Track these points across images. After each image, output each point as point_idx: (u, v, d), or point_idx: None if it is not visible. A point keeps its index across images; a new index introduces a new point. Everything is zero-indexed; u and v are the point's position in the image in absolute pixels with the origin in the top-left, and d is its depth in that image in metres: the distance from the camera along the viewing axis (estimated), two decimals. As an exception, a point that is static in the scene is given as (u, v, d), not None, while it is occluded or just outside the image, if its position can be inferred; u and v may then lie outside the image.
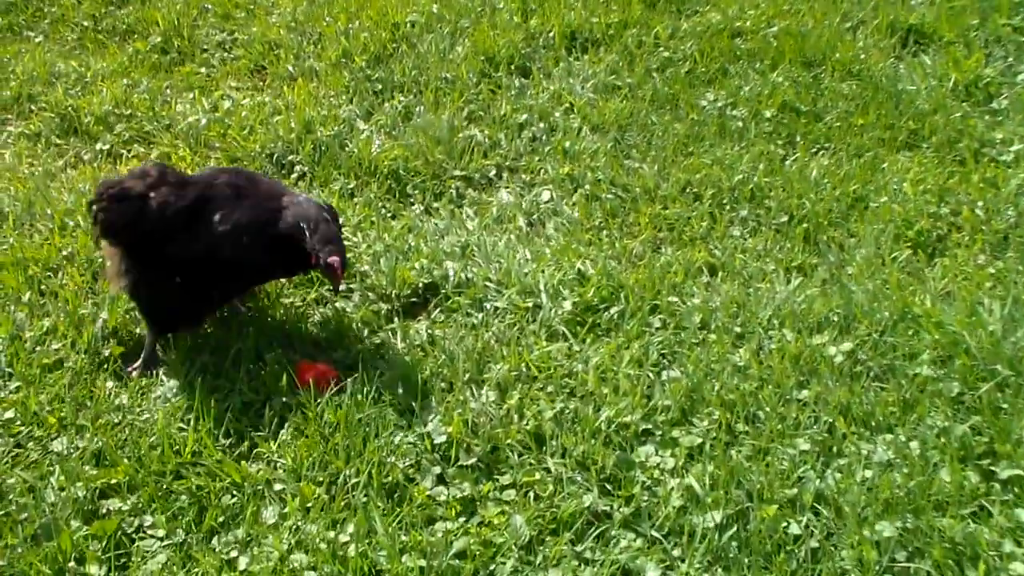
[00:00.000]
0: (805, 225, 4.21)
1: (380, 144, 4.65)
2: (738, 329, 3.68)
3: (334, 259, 3.36)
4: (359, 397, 3.31)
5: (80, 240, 4.02)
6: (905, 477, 3.07)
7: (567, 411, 3.31)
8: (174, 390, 3.36)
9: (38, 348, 3.51)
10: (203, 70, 5.31)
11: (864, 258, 4.03)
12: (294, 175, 4.54)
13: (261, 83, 5.23)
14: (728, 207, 4.33)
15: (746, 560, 2.86)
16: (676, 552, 2.90)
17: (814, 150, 4.65)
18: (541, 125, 4.78)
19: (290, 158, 4.60)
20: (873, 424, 3.29)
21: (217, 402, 3.30)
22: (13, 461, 3.10)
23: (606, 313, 3.75)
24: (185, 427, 3.22)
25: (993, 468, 3.12)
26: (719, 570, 2.85)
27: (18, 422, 3.23)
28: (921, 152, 4.59)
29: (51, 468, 3.07)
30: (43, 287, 3.79)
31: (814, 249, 4.15)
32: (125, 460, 3.07)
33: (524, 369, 3.48)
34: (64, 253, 3.97)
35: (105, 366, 3.46)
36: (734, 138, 4.72)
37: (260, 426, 3.25)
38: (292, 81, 5.16)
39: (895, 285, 3.87)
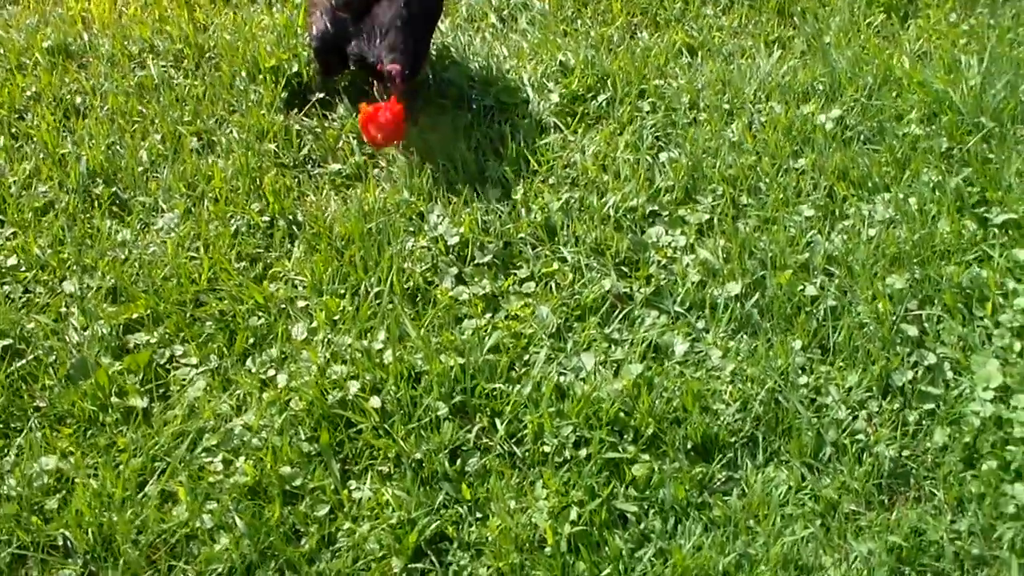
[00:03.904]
0: (779, -3, 4.18)
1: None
2: (726, 106, 3.69)
3: (393, 67, 3.34)
4: (365, 207, 3.29)
5: (43, 78, 3.85)
6: (908, 231, 3.16)
7: (572, 201, 3.33)
8: (175, 221, 3.30)
9: (24, 192, 3.40)
10: None
11: (839, 26, 4.03)
12: (248, -9, 4.35)
13: None
14: (698, -16, 4.28)
15: (768, 324, 2.96)
16: (700, 324, 2.99)
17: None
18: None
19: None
20: (870, 185, 3.37)
21: (222, 227, 3.26)
22: (27, 307, 3.05)
23: (594, 102, 3.73)
24: (196, 255, 3.18)
25: (987, 215, 3.23)
26: (744, 336, 2.95)
27: (22, 267, 3.16)
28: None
29: (69, 309, 3.03)
30: (14, 130, 3.65)
31: (789, 21, 4.13)
32: (143, 294, 3.04)
33: (523, 163, 3.47)
34: (29, 93, 3.81)
35: (99, 203, 3.37)
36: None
37: (271, 247, 3.23)
38: None
39: (873, 49, 3.89)
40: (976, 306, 2.97)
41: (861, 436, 2.69)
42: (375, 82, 3.69)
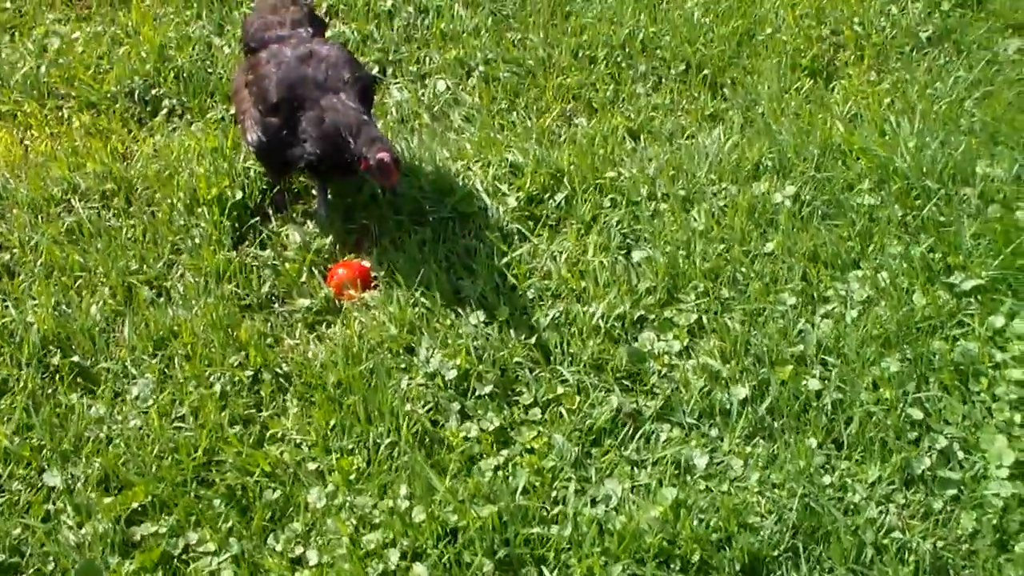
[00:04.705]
0: (704, 71, 4.23)
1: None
2: (682, 192, 3.71)
3: (384, 155, 3.20)
4: (349, 348, 3.17)
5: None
6: (890, 309, 3.24)
7: (559, 315, 3.29)
8: (150, 387, 3.11)
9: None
10: (9, 4, 4.68)
11: (769, 95, 4.11)
12: (162, 112, 4.14)
13: (86, 10, 4.66)
14: (624, 65, 4.29)
15: (779, 424, 2.99)
16: (714, 432, 2.99)
17: (685, -12, 4.64)
18: (410, 9, 4.52)
19: (154, 93, 4.19)
20: (839, 263, 3.44)
21: (204, 388, 3.09)
22: (7, 509, 2.82)
23: (552, 202, 3.70)
24: (183, 424, 3.00)
25: (954, 282, 3.34)
26: (760, 440, 2.96)
27: (-9, 464, 2.93)
28: (787, -27, 4.66)
29: (58, 506, 2.82)
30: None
31: (720, 93, 4.19)
32: (138, 478, 2.85)
33: (499, 279, 3.40)
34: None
35: (60, 376, 3.14)
36: (603, -11, 4.63)
37: (261, 405, 3.08)
38: (122, 3, 4.63)
39: (808, 117, 3.98)
40: (971, 381, 3.06)
41: (896, 533, 2.74)
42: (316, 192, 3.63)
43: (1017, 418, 2.96)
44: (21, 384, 3.10)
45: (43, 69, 4.23)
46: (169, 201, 3.68)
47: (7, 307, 3.33)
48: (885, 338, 3.17)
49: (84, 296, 3.38)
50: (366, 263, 3.49)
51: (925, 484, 2.85)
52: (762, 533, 2.74)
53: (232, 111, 3.86)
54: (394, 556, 2.66)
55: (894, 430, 2.94)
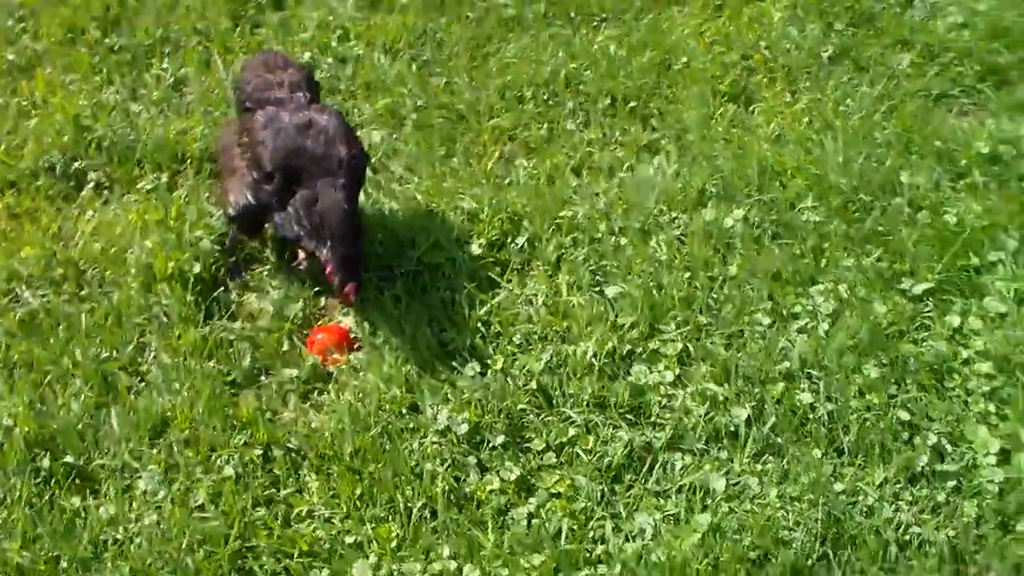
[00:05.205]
0: (631, 104, 4.37)
1: (164, 121, 4.18)
2: (637, 224, 3.82)
3: (349, 287, 3.29)
4: (356, 415, 3.14)
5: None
6: (857, 319, 3.44)
7: (552, 359, 3.34)
8: (158, 478, 2.99)
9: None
10: None
11: (696, 122, 4.28)
12: (89, 185, 3.98)
13: (-22, 86, 4.43)
14: (551, 103, 4.39)
15: (783, 440, 3.13)
16: (724, 455, 3.11)
17: (594, 24, 4.76)
18: (329, 60, 4.49)
19: (76, 166, 4.02)
20: (798, 280, 3.62)
21: (215, 474, 3.00)
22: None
23: (513, 245, 3.75)
24: (204, 514, 2.91)
25: (905, 288, 3.58)
26: (769, 457, 3.10)
27: (5, 579, 2.76)
28: (688, 3, 4.85)
29: (88, 616, 2.69)
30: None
31: (648, 125, 4.34)
32: None
33: (483, 328, 3.43)
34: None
35: (55, 480, 2.99)
36: (515, 29, 4.71)
37: (278, 484, 3.01)
38: (21, 72, 4.42)
39: (737, 141, 4.18)
40: (946, 378, 3.29)
41: (914, 528, 2.91)
42: (295, 253, 3.62)
43: (992, 407, 3.20)
44: (16, 494, 2.93)
45: (-46, 151, 4.00)
46: (124, 281, 3.54)
47: (-25, 412, 3.15)
48: (859, 347, 3.36)
49: (58, 391, 3.22)
50: (344, 324, 3.46)
51: (927, 479, 3.04)
52: (794, 546, 2.86)
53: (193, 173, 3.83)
54: (458, 619, 2.66)
55: (889, 432, 3.12)
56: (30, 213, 3.85)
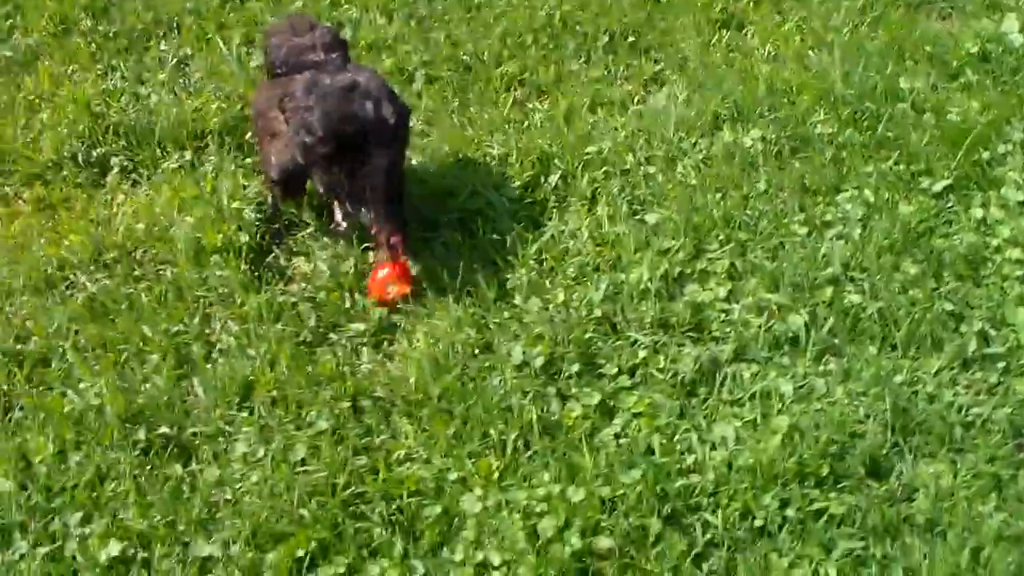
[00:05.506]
0: (629, 39, 4.48)
1: (174, 101, 4.19)
2: (661, 153, 3.95)
3: (396, 239, 3.31)
4: (437, 358, 3.24)
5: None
6: (887, 221, 3.61)
7: (608, 288, 3.46)
8: (255, 438, 3.07)
9: (59, 466, 3.01)
10: None
11: (695, 51, 4.41)
12: (113, 170, 3.99)
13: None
14: (552, 45, 4.48)
15: (839, 340, 3.29)
16: (786, 361, 3.27)
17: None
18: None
19: (97, 153, 4.02)
20: (823, 190, 3.79)
21: (307, 428, 3.09)
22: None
23: (547, 184, 3.86)
24: (306, 467, 2.99)
25: (925, 187, 3.77)
26: (830, 358, 3.26)
27: (131, 552, 2.82)
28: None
29: (219, 573, 2.77)
30: None
31: (649, 57, 4.45)
32: (295, 526, 2.83)
33: (536, 265, 3.54)
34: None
35: (153, 451, 3.05)
36: (503, -24, 4.79)
37: (371, 433, 3.10)
38: (21, 68, 4.38)
39: (738, 64, 4.32)
40: (981, 267, 3.48)
41: (975, 409, 3.11)
42: (336, 207, 3.67)
43: (1026, 292, 3.40)
44: (120, 467, 2.99)
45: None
46: (173, 258, 3.58)
47: (65, 394, 3.18)
48: (894, 246, 3.53)
49: (136, 368, 3.26)
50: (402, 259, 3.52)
51: (977, 364, 3.23)
52: (867, 437, 3.04)
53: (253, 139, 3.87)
54: (575, 538, 2.78)
55: (937, 323, 3.30)
56: (63, 202, 3.86)
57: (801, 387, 3.19)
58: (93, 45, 4.50)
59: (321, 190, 3.54)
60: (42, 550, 2.82)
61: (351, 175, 3.39)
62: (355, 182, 3.39)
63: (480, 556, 2.79)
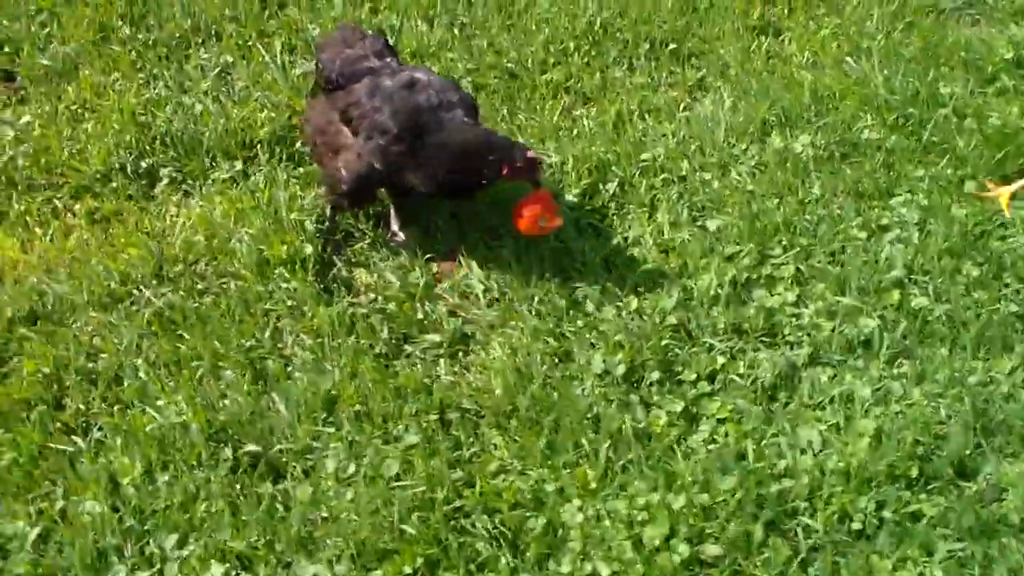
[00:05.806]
0: (670, 46, 4.50)
1: (220, 110, 4.13)
2: (714, 160, 3.98)
3: (533, 156, 3.43)
4: (519, 368, 3.24)
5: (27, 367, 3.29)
6: (943, 225, 3.66)
7: (679, 295, 3.48)
8: (344, 454, 3.04)
9: (147, 487, 2.96)
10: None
11: (735, 57, 4.44)
12: (163, 181, 3.93)
13: (18, 93, 4.29)
14: (594, 53, 4.49)
15: (910, 343, 3.34)
16: (860, 364, 3.31)
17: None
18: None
19: (145, 164, 3.96)
20: (878, 194, 3.84)
21: (398, 445, 3.06)
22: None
23: (605, 191, 3.87)
24: (401, 482, 2.97)
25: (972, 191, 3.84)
26: (903, 361, 3.30)
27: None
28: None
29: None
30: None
31: (691, 64, 4.48)
32: (399, 543, 2.81)
33: (603, 272, 3.55)
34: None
35: (242, 469, 3.01)
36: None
37: (460, 445, 3.09)
38: (60, 78, 4.29)
39: (779, 70, 4.36)
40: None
41: (1054, 407, 3.17)
42: (393, 217, 3.69)
43: (1091, 287, 3.47)
44: (211, 487, 2.94)
45: (19, 161, 3.88)
46: (237, 270, 3.54)
47: (145, 412, 3.13)
48: (952, 249, 3.59)
49: (211, 385, 3.22)
50: (543, 189, 3.54)
51: (1049, 363, 3.30)
52: (951, 439, 3.08)
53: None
54: (682, 546, 2.80)
55: (1005, 325, 3.36)
56: (115, 215, 3.79)
57: (878, 390, 3.23)
58: (133, 53, 4.42)
59: (393, 196, 3.53)
60: (142, 575, 2.77)
61: (445, 156, 3.41)
62: (448, 160, 3.42)
63: (588, 568, 2.79)
